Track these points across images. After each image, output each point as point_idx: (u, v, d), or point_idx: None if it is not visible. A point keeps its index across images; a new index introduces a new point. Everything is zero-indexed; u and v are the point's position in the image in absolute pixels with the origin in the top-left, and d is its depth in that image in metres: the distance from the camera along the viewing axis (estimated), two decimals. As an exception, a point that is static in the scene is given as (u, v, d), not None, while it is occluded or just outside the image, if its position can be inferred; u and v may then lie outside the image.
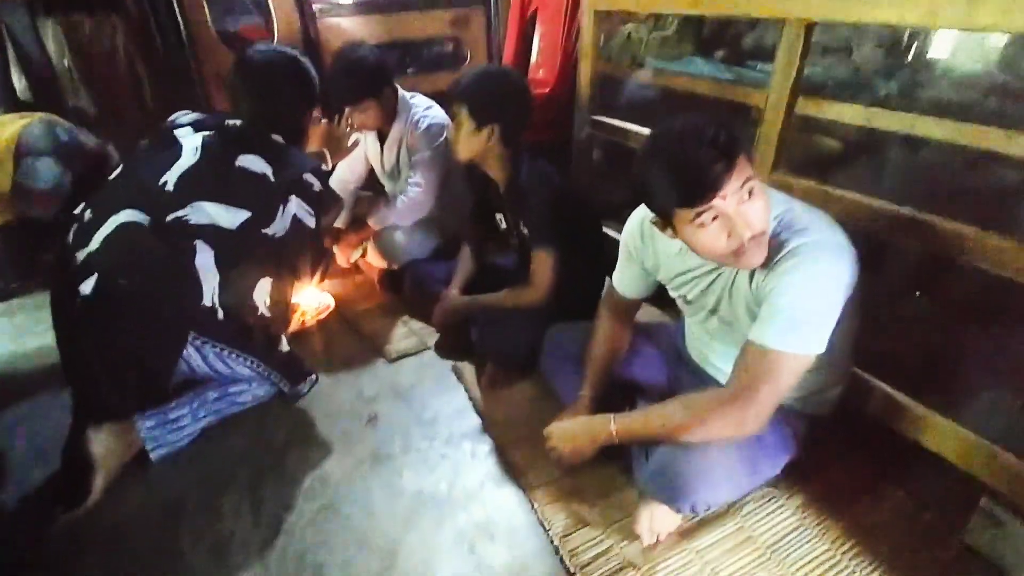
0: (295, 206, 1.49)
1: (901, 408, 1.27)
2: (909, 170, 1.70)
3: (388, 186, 2.28)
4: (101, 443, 1.38)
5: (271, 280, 1.49)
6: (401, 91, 2.05)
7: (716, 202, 0.94)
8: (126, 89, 2.22)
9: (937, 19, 1.06)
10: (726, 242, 0.98)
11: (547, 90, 2.47)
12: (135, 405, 1.43)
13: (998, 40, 1.86)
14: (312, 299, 2.13)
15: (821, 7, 1.24)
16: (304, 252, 1.60)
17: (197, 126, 1.52)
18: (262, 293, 1.48)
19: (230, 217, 1.39)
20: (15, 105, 2.04)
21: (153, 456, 1.47)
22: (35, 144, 1.41)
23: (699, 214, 0.95)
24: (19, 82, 2.17)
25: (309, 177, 1.53)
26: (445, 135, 1.99)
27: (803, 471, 1.33)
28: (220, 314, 1.40)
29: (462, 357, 1.86)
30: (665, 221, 1.03)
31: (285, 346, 1.63)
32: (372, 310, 2.16)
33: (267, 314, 1.51)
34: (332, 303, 2.14)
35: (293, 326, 2.00)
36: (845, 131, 1.82)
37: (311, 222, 1.52)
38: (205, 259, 1.36)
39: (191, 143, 1.47)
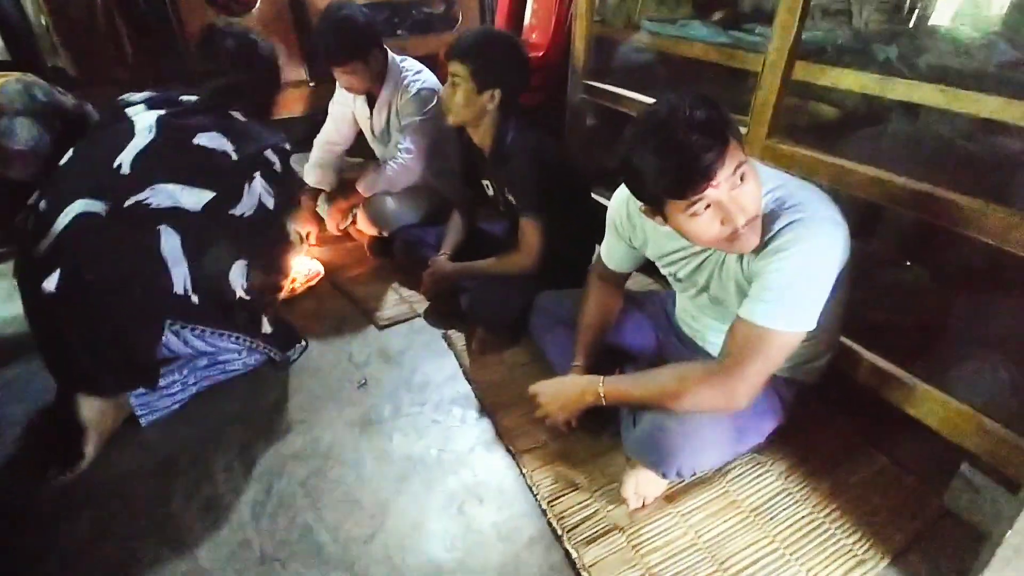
0: (259, 185, 1.44)
1: (888, 376, 1.28)
2: (908, 138, 1.69)
3: (378, 150, 2.24)
4: (91, 408, 1.37)
5: (246, 262, 1.44)
6: (391, 54, 2.00)
7: (709, 191, 0.90)
8: (106, 49, 2.16)
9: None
10: (719, 229, 0.95)
11: (540, 54, 2.42)
12: (119, 389, 1.41)
13: (1000, 6, 1.83)
14: (302, 266, 2.11)
15: (821, -34, 1.20)
16: (271, 233, 1.55)
17: (150, 103, 1.45)
18: (238, 275, 1.43)
19: (193, 198, 1.33)
20: (-8, 64, 1.98)
21: (143, 422, 1.48)
22: (11, 103, 1.37)
23: (692, 204, 0.92)
24: (-6, 41, 2.10)
25: (270, 154, 1.48)
26: (436, 100, 1.95)
27: (789, 436, 1.34)
28: (195, 299, 1.35)
29: (452, 324, 1.86)
30: (654, 210, 1.00)
31: (267, 327, 1.58)
32: (362, 276, 2.15)
33: (246, 297, 1.45)
34: (322, 270, 2.12)
35: (283, 293, 2.00)
36: (843, 97, 1.80)
37: (270, 203, 1.46)
38: (171, 244, 1.30)
39: (144, 121, 1.39)
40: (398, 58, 2.02)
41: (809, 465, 1.34)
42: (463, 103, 1.54)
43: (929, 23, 1.90)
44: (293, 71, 2.42)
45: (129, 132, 1.36)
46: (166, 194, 1.31)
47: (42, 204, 1.32)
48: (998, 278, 1.37)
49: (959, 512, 1.21)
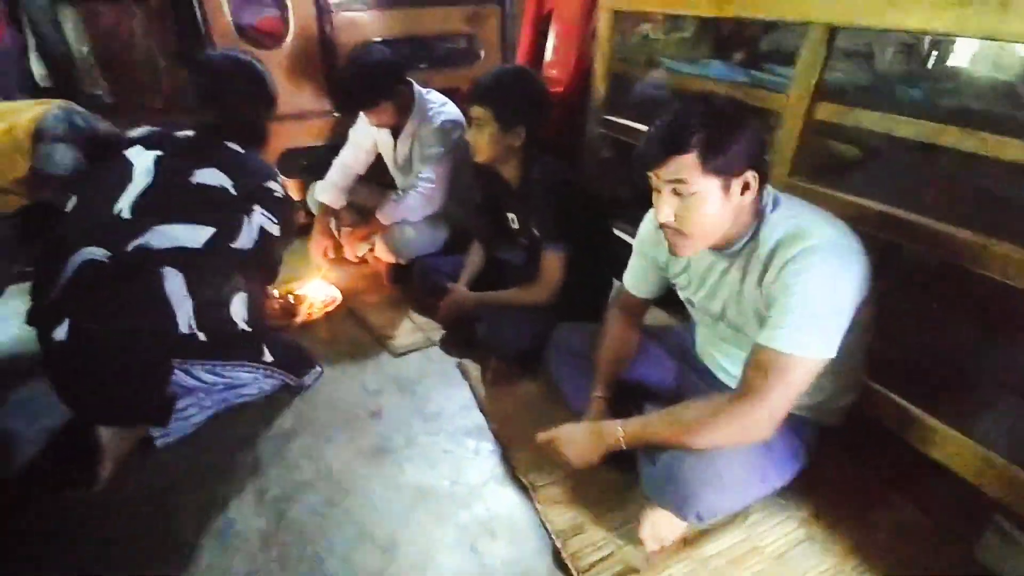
0: (259, 216, 1.45)
1: (912, 419, 1.25)
2: (930, 178, 1.68)
3: (399, 179, 2.28)
4: (108, 432, 1.38)
5: (247, 295, 1.44)
6: (416, 87, 2.05)
7: (652, 177, 1.03)
8: (143, 77, 2.23)
9: (966, 27, 1.04)
10: (664, 216, 1.04)
11: (560, 89, 2.46)
12: (132, 424, 1.42)
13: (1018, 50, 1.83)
14: (319, 291, 2.13)
15: (847, 11, 1.22)
16: (273, 260, 1.55)
17: (146, 142, 1.47)
18: (239, 308, 1.44)
19: (195, 236, 1.35)
20: (33, 91, 2.06)
21: (158, 443, 1.48)
22: (53, 130, 1.41)
23: (651, 179, 1.04)
24: (38, 68, 2.19)
25: (270, 184, 1.50)
26: (459, 132, 1.98)
27: (811, 481, 1.30)
28: (201, 336, 1.36)
29: (467, 353, 1.85)
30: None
31: (268, 355, 1.58)
32: (379, 303, 2.16)
33: (247, 329, 1.46)
34: (339, 296, 2.14)
35: (300, 317, 2.01)
36: (865, 136, 1.80)
37: (275, 229, 1.48)
38: (174, 285, 1.31)
39: (142, 163, 1.41)
40: (423, 91, 2.07)
41: (834, 512, 1.30)
42: (490, 143, 1.58)
43: (948, 65, 1.91)
44: (318, 101, 2.48)
45: (128, 175, 1.38)
46: (167, 235, 1.33)
47: (50, 254, 1.35)
48: (1027, 322, 1.34)
49: (991, 566, 1.16)
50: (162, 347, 1.33)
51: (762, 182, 1.04)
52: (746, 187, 1.01)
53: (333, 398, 1.70)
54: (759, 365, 1.01)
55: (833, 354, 0.99)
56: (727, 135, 0.97)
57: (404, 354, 1.88)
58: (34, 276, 1.39)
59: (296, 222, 1.61)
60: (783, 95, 1.46)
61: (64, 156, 1.42)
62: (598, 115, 2.06)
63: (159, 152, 1.44)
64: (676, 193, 1.01)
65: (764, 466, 1.15)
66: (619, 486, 1.36)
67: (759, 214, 1.07)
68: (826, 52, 1.29)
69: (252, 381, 1.58)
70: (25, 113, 1.44)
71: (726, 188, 1.00)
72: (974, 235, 1.11)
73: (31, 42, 2.08)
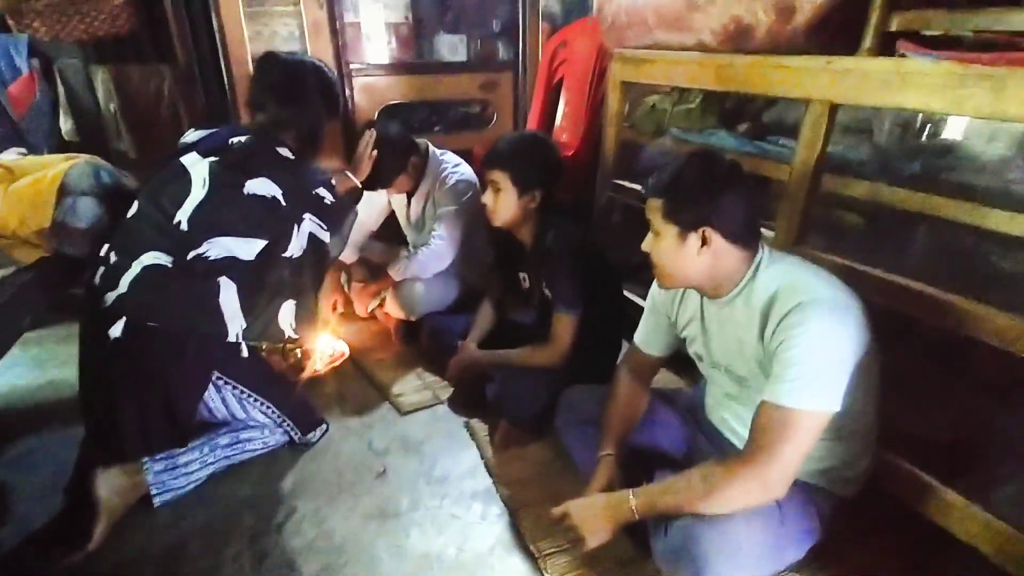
0: (309, 223, 1.49)
1: (930, 493, 1.23)
2: (930, 248, 1.71)
3: (411, 236, 2.32)
4: (107, 485, 1.36)
5: (295, 302, 1.48)
6: (432, 148, 2.12)
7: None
8: (168, 135, 2.31)
9: (963, 108, 1.09)
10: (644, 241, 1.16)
11: (570, 153, 2.54)
12: (152, 447, 1.42)
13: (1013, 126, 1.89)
14: (327, 346, 2.12)
15: (846, 90, 1.28)
16: (321, 264, 1.56)
17: (202, 148, 1.49)
18: (287, 316, 1.47)
19: (248, 248, 1.40)
20: (60, 145, 2.13)
21: (156, 501, 1.45)
22: (78, 184, 1.46)
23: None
24: (65, 124, 2.27)
25: (320, 191, 1.54)
26: (472, 192, 2.04)
27: (827, 555, 1.26)
28: (244, 350, 1.42)
29: (475, 414, 1.84)
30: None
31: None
32: (387, 360, 2.15)
33: (295, 336, 1.51)
34: (347, 351, 2.13)
35: (307, 372, 2.00)
36: (868, 207, 1.84)
37: (326, 236, 1.52)
38: (228, 294, 1.37)
39: (199, 173, 1.44)
40: (438, 152, 2.14)
41: (852, 589, 1.25)
42: (507, 207, 1.62)
43: (942, 139, 1.97)
44: (334, 161, 2.56)
45: (187, 186, 1.42)
46: (222, 246, 1.38)
47: (112, 256, 1.41)
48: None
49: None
50: (209, 353, 1.40)
51: (734, 240, 1.09)
52: (704, 243, 1.08)
53: (338, 456, 1.67)
54: (765, 422, 1.02)
55: (838, 407, 1.00)
56: (686, 194, 1.08)
57: (411, 412, 1.87)
58: (92, 276, 1.42)
59: (351, 227, 1.63)
60: (787, 165, 1.51)
61: (88, 210, 1.46)
62: (608, 180, 2.12)
63: (213, 159, 1.46)
64: (651, 226, 1.14)
65: (778, 537, 1.12)
66: (630, 557, 1.32)
67: (752, 267, 1.12)
68: (827, 127, 1.34)
69: (260, 433, 1.57)
70: (53, 168, 1.49)
71: (682, 239, 1.09)
72: (972, 304, 1.13)
73: (62, 98, 2.17)
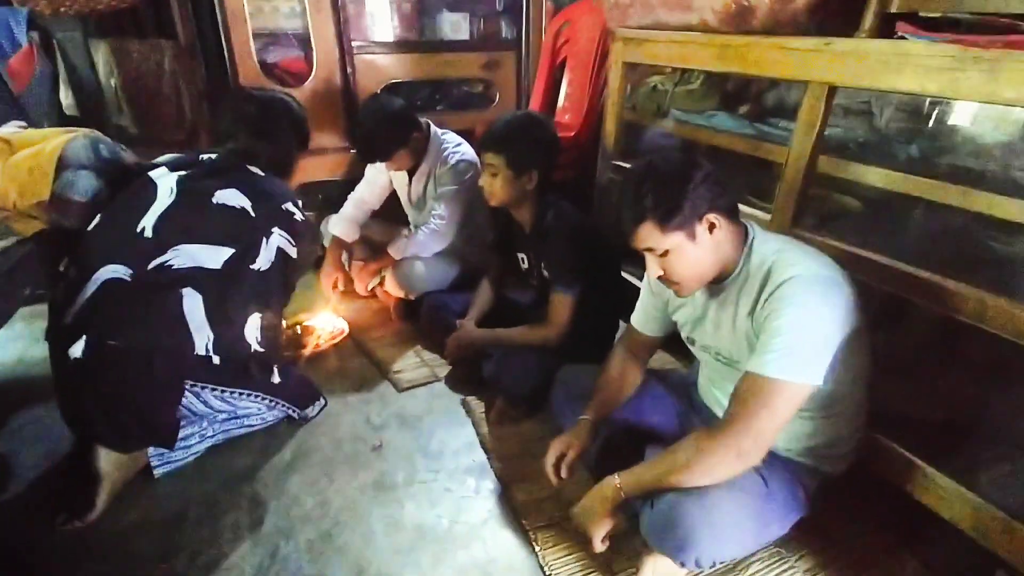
0: (277, 237, 1.48)
1: (916, 472, 1.24)
2: (928, 232, 1.71)
3: (411, 215, 2.32)
4: (108, 458, 1.38)
5: (260, 315, 1.46)
6: (433, 127, 2.12)
7: (634, 245, 1.10)
8: (168, 110, 2.31)
9: (959, 91, 1.08)
10: (655, 271, 1.13)
11: (571, 134, 2.53)
12: (137, 448, 1.43)
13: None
14: (327, 324, 2.15)
15: (843, 72, 1.27)
16: (289, 282, 1.57)
17: (172, 165, 1.52)
18: (253, 329, 1.45)
19: (214, 256, 1.38)
20: (60, 120, 2.13)
21: (157, 473, 1.48)
22: (77, 158, 1.46)
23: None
24: (66, 98, 2.27)
25: (289, 206, 1.53)
26: (472, 172, 2.04)
27: (813, 531, 1.29)
28: (215, 360, 1.38)
29: (472, 391, 1.86)
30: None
31: (276, 377, 1.59)
32: (386, 338, 2.17)
33: (260, 349, 1.48)
34: (346, 328, 2.16)
35: (308, 349, 2.03)
36: (866, 190, 1.84)
37: (293, 252, 1.51)
38: (193, 305, 1.34)
39: (166, 183, 1.45)
40: (439, 131, 2.14)
41: (836, 565, 1.28)
42: (503, 188, 1.63)
43: (948, 124, 1.95)
44: (336, 139, 2.56)
45: (152, 195, 1.43)
46: (187, 255, 1.36)
47: (72, 271, 1.38)
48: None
49: (996, 626, 1.14)
50: (177, 367, 1.35)
51: (730, 215, 1.10)
52: (712, 227, 1.08)
53: (336, 430, 1.70)
54: (744, 392, 1.04)
55: (819, 381, 1.01)
56: (675, 195, 1.04)
57: (409, 388, 1.89)
58: (53, 293, 1.41)
59: (317, 245, 1.64)
60: (786, 148, 1.51)
61: (87, 183, 1.47)
62: (609, 161, 2.12)
63: (182, 172, 1.48)
64: (654, 253, 1.10)
65: (764, 512, 1.14)
66: (620, 531, 1.34)
67: (746, 246, 1.13)
68: (825, 109, 1.34)
69: (257, 412, 1.59)
70: (52, 140, 1.50)
71: (692, 236, 1.07)
72: (969, 289, 1.14)
73: (61, 72, 2.17)
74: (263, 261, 1.45)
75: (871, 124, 1.90)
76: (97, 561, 1.28)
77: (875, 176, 1.76)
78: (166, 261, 1.34)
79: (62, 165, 1.44)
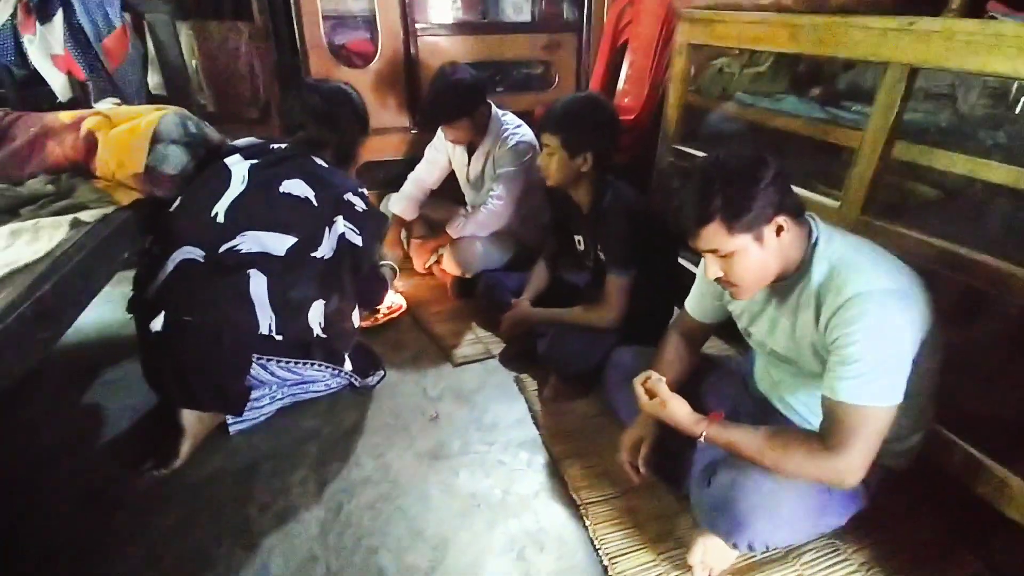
0: (341, 226, 1.54)
1: (984, 470, 1.20)
2: (1010, 224, 1.62)
3: (470, 195, 2.37)
4: (190, 414, 1.50)
5: (323, 302, 1.52)
6: (494, 108, 2.15)
7: (696, 245, 1.07)
8: (243, 90, 2.43)
9: (1056, 72, 1.03)
10: (714, 273, 1.10)
11: (631, 117, 2.50)
12: (211, 411, 1.53)
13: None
14: (386, 298, 2.22)
15: (927, 53, 1.22)
16: (356, 271, 1.62)
17: (246, 152, 1.60)
18: (316, 315, 1.51)
19: (279, 243, 1.45)
20: (148, 99, 2.27)
21: (232, 430, 1.59)
22: (169, 133, 1.56)
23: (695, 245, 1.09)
24: (153, 77, 2.41)
25: (350, 196, 1.58)
26: (531, 153, 2.06)
27: (871, 525, 1.27)
28: (279, 338, 1.46)
29: (526, 369, 1.90)
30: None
31: (348, 364, 1.69)
32: (442, 314, 2.23)
33: (323, 336, 1.54)
34: (404, 304, 2.23)
35: (367, 322, 2.11)
36: (943, 179, 1.76)
37: (358, 240, 1.57)
38: (258, 287, 1.41)
39: (239, 171, 1.53)
40: (500, 112, 2.17)
41: (893, 560, 1.25)
42: (558, 169, 1.63)
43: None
44: (399, 119, 2.62)
45: (226, 182, 1.51)
46: (254, 240, 1.44)
47: (155, 249, 1.50)
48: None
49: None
50: (245, 342, 1.43)
51: (797, 216, 1.07)
52: (780, 230, 1.04)
53: (395, 400, 1.77)
54: (836, 417, 1.01)
55: (901, 399, 0.99)
56: (744, 195, 1.00)
57: (464, 364, 1.95)
58: (137, 268, 1.53)
59: (384, 231, 1.71)
60: (859, 132, 1.46)
61: (177, 157, 1.57)
62: (669, 145, 2.10)
63: (254, 160, 1.57)
64: (716, 254, 1.07)
65: (822, 503, 1.13)
66: (671, 510, 1.37)
67: (811, 248, 1.09)
68: (905, 92, 1.29)
69: (321, 379, 1.68)
70: (146, 116, 1.60)
71: (759, 239, 1.04)
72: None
73: (151, 52, 2.30)
74: (326, 249, 1.52)
75: (953, 108, 1.81)
76: (178, 505, 1.39)
77: (957, 163, 1.68)
78: (235, 245, 1.43)
79: (155, 139, 1.54)
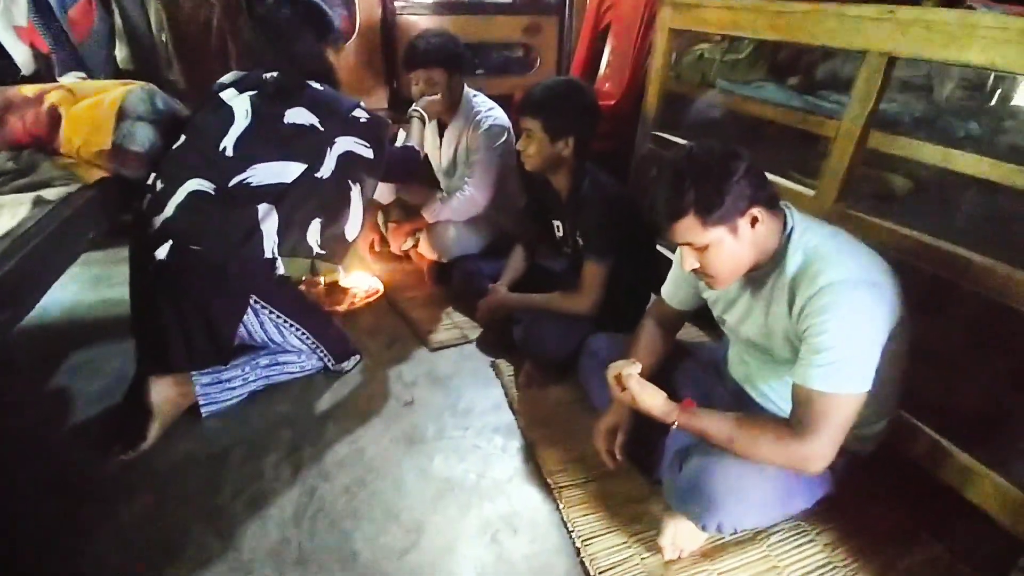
0: (343, 145, 1.57)
1: (946, 455, 1.24)
2: (980, 215, 1.65)
3: (443, 182, 2.33)
4: (160, 392, 1.48)
5: (320, 220, 1.56)
6: (467, 88, 2.11)
7: (672, 239, 1.09)
8: (214, 65, 2.35)
9: (1030, 63, 1.04)
10: (690, 264, 1.10)
11: (612, 102, 2.49)
12: (195, 361, 1.51)
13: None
14: (363, 282, 2.20)
15: (906, 43, 1.22)
16: (359, 183, 1.62)
17: (239, 86, 1.61)
18: (314, 233, 1.55)
19: (287, 172, 1.49)
20: (115, 73, 2.19)
21: (204, 412, 1.56)
22: (135, 109, 1.51)
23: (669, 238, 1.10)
24: (120, 51, 2.32)
25: (356, 112, 1.62)
26: (505, 136, 2.03)
27: (837, 507, 1.30)
28: (280, 267, 1.50)
29: (502, 354, 1.90)
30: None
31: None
32: (419, 299, 2.22)
33: (321, 252, 1.58)
34: (381, 288, 2.21)
35: (343, 306, 2.09)
36: (919, 169, 1.78)
37: (368, 152, 1.61)
38: (267, 216, 1.46)
39: (240, 105, 1.56)
40: (471, 92, 2.13)
41: (857, 540, 1.29)
42: (538, 153, 1.62)
43: (1012, 103, 1.87)
44: (376, 100, 2.58)
45: (229, 117, 1.54)
46: (264, 172, 1.48)
47: (159, 183, 1.50)
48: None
49: (1018, 611, 1.14)
50: (250, 274, 1.48)
51: (771, 208, 1.08)
52: (754, 221, 1.05)
53: (370, 385, 1.76)
54: (804, 403, 1.02)
55: (869, 387, 1.01)
56: (717, 189, 1.01)
57: (440, 349, 1.94)
58: (140, 202, 1.53)
59: (390, 140, 1.72)
60: (836, 121, 1.47)
61: (144, 134, 1.52)
62: (649, 131, 2.09)
63: (252, 92, 1.58)
64: (692, 246, 1.08)
65: (790, 487, 1.15)
66: (643, 494, 1.38)
67: (785, 238, 1.10)
68: (883, 81, 1.29)
69: (296, 357, 1.67)
70: (112, 92, 1.55)
71: (734, 231, 1.04)
72: (1014, 270, 1.10)
73: (118, 25, 2.22)
74: (326, 169, 1.55)
75: (929, 99, 1.83)
76: (148, 491, 1.37)
77: (930, 153, 1.70)
78: (245, 179, 1.47)
79: (121, 116, 1.50)
